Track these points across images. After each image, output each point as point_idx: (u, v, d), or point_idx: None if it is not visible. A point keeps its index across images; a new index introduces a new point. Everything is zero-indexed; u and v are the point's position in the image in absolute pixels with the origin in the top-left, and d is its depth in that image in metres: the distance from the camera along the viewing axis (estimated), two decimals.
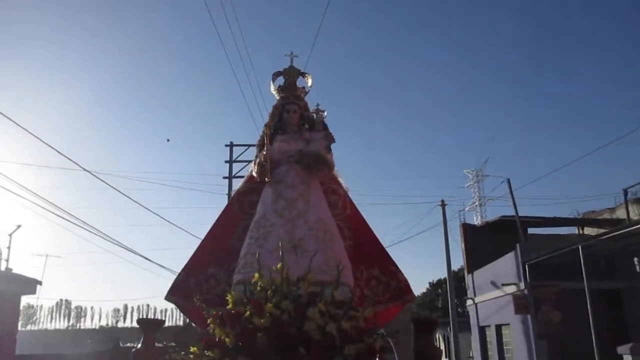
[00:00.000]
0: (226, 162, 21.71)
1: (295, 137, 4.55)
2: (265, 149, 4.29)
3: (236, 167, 21.43)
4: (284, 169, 4.33)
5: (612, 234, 12.42)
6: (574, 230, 21.54)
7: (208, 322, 3.03)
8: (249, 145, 21.86)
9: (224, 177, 21.58)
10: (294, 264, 3.44)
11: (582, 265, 12.03)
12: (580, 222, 20.64)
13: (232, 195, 4.67)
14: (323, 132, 4.61)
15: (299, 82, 4.84)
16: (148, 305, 69.33)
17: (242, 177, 21.34)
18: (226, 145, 21.94)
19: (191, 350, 2.92)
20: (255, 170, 4.36)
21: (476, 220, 29.01)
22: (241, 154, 21.57)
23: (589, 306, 11.80)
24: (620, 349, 9.58)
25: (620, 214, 18.38)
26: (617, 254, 14.68)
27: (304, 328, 2.80)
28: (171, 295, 4.21)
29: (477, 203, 33.03)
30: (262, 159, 4.26)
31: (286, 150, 4.40)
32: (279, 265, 3.06)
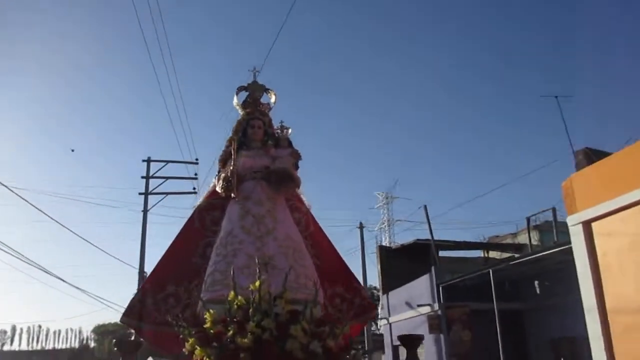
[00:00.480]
0: (143, 177, 21.02)
1: (260, 153, 4.50)
2: (232, 163, 4.20)
3: (154, 182, 20.78)
4: (250, 185, 4.26)
5: (522, 259, 13.48)
6: (479, 253, 23.02)
7: (186, 343, 2.96)
8: (167, 162, 21.40)
9: (140, 193, 20.83)
10: (266, 281, 3.42)
11: (492, 288, 12.91)
12: (486, 246, 22.11)
13: (193, 211, 4.53)
14: (289, 150, 4.59)
15: (263, 99, 4.83)
16: (40, 327, 64.28)
17: (160, 193, 20.82)
18: (143, 161, 21.27)
19: None
20: (220, 185, 4.26)
21: (385, 241, 30.08)
22: (159, 169, 20.99)
23: (497, 326, 12.63)
24: None
25: (522, 239, 19.93)
26: (520, 277, 15.87)
27: (287, 347, 2.80)
28: (127, 317, 4.08)
29: (385, 224, 34.32)
30: (229, 174, 4.18)
31: (251, 166, 4.34)
32: (256, 283, 3.03)
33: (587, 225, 7.64)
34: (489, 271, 13.37)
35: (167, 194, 21.16)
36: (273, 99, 4.79)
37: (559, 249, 11.51)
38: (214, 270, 3.89)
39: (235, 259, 3.84)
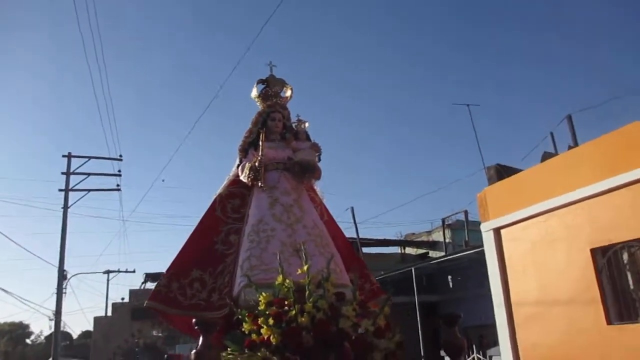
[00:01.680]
0: (63, 173, 20.17)
1: (281, 145, 4.65)
2: (259, 153, 4.33)
3: (75, 179, 20.09)
4: (275, 175, 4.42)
5: (444, 258, 14.98)
6: (397, 249, 24.64)
7: (244, 323, 3.05)
8: (90, 157, 20.74)
9: (60, 190, 20.02)
10: (299, 267, 3.57)
11: (414, 283, 14.28)
12: (404, 243, 23.71)
13: (214, 198, 4.58)
14: (309, 142, 4.76)
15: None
16: None
17: (81, 190, 20.19)
18: (64, 156, 20.40)
19: (230, 351, 2.99)
20: (247, 174, 4.34)
21: None
22: (81, 165, 20.30)
23: (418, 317, 13.98)
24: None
25: (435, 236, 21.70)
26: (436, 272, 17.45)
27: (340, 325, 2.94)
28: (153, 302, 4.08)
29: None
30: (256, 164, 4.30)
31: (274, 157, 4.48)
32: (305, 267, 3.16)
33: (497, 232, 8.98)
34: (411, 268, 14.72)
35: (89, 190, 20.49)
36: (289, 93, 4.86)
37: (473, 251, 12.98)
38: (250, 256, 3.94)
39: (268, 245, 3.96)
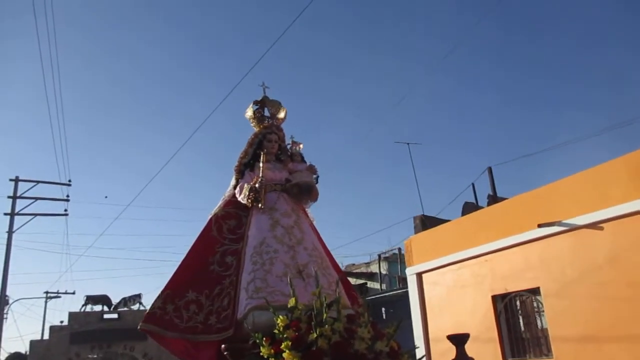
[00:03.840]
0: (9, 197, 20.14)
1: (278, 167, 4.63)
2: (259, 174, 4.32)
3: (22, 203, 20.10)
4: (274, 197, 4.39)
5: (383, 294, 16.10)
6: None
7: (262, 347, 3.03)
8: (37, 182, 20.81)
9: (6, 214, 19.97)
10: (302, 289, 3.59)
11: None
12: (344, 273, 24.89)
13: (210, 219, 4.51)
14: (306, 164, 4.72)
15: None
16: None
17: (27, 214, 20.22)
18: (11, 180, 20.39)
19: None
20: (247, 195, 4.29)
21: None
22: (28, 189, 20.36)
23: None
24: None
25: (373, 268, 23.09)
26: (370, 303, 18.71)
27: (355, 347, 2.95)
28: (147, 324, 3.94)
29: None
30: (256, 185, 4.28)
31: (272, 178, 4.45)
32: (317, 290, 3.13)
33: (419, 275, 10.32)
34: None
35: (36, 215, 20.54)
36: (283, 115, 4.86)
37: (402, 290, 14.32)
38: (254, 278, 3.88)
39: (272, 267, 3.90)
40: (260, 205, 4.27)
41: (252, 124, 4.81)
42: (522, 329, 8.41)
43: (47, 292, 30.25)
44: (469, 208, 12.30)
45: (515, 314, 8.49)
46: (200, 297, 4.05)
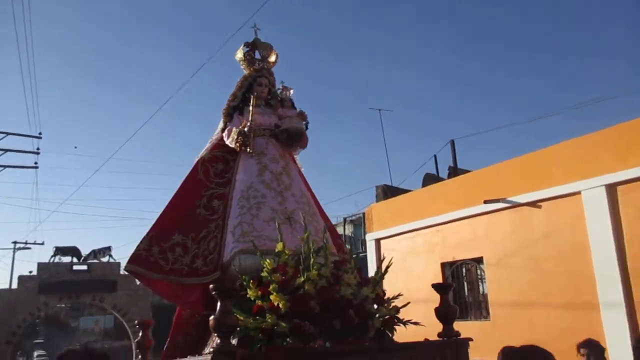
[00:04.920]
0: None
1: (267, 111, 4.53)
2: (248, 118, 4.22)
3: None
4: (262, 142, 4.33)
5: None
6: None
7: (248, 290, 2.99)
8: (7, 133, 20.51)
9: None
10: (289, 235, 3.57)
11: None
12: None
13: (196, 161, 4.40)
14: (296, 110, 4.61)
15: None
16: None
17: None
18: None
19: (240, 318, 2.86)
20: (235, 139, 4.22)
21: None
22: None
23: None
24: None
25: (339, 230, 23.89)
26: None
27: (341, 293, 2.96)
28: (132, 265, 3.85)
29: None
30: (245, 129, 4.19)
31: (261, 123, 4.37)
32: (305, 235, 3.13)
33: (377, 241, 10.99)
34: None
35: (5, 167, 20.45)
36: (274, 58, 4.72)
37: (364, 254, 15.03)
38: (241, 222, 3.85)
39: (259, 212, 3.88)
40: (248, 149, 4.22)
41: (242, 67, 4.68)
42: (466, 294, 9.19)
43: (15, 242, 30.28)
44: (430, 179, 12.95)
45: (461, 280, 9.26)
46: (186, 240, 3.99)
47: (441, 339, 3.25)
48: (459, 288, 9.24)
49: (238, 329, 2.77)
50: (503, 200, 8.14)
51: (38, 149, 20.64)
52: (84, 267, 25.69)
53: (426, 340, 3.31)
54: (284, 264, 3.04)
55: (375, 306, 3.29)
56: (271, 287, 2.91)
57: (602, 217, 6.87)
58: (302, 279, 2.93)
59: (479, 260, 8.80)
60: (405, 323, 3.50)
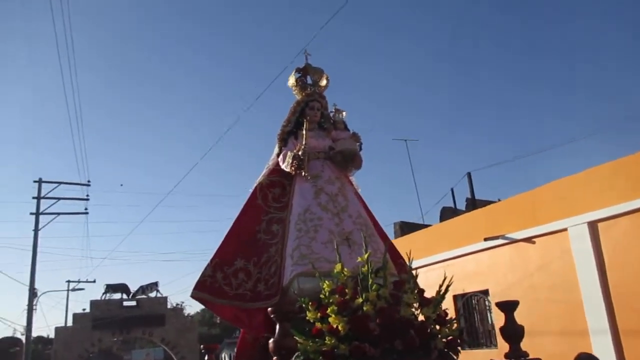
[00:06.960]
0: (34, 198, 21.67)
1: (321, 134, 4.61)
2: (303, 142, 4.31)
3: (46, 202, 21.64)
4: (318, 164, 4.39)
5: None
6: None
7: (308, 312, 2.93)
8: (59, 183, 22.40)
9: (32, 213, 21.51)
10: (348, 256, 3.55)
11: None
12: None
13: (255, 187, 4.52)
14: (349, 132, 4.69)
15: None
16: None
17: (51, 214, 21.84)
18: (35, 181, 21.87)
19: (300, 340, 2.84)
20: (290, 163, 4.30)
21: None
22: (51, 190, 21.88)
23: None
24: None
25: None
26: None
27: (402, 313, 2.93)
28: (198, 291, 3.97)
29: None
30: (299, 153, 4.28)
31: (315, 146, 4.43)
32: (365, 256, 3.09)
33: None
34: None
35: (59, 214, 22.04)
36: (325, 82, 4.80)
37: None
38: (299, 245, 3.91)
39: (317, 234, 3.92)
40: (304, 173, 4.29)
41: (294, 92, 4.79)
42: (477, 324, 9.94)
43: (69, 282, 32.29)
44: (447, 213, 13.77)
45: (472, 311, 10.03)
46: (248, 265, 4.10)
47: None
48: (470, 318, 10.01)
49: (298, 352, 2.84)
50: (502, 237, 8.96)
51: (87, 195, 22.28)
52: (134, 303, 27.11)
53: None
54: (342, 285, 3.04)
55: (437, 327, 3.22)
56: (329, 310, 2.92)
57: (586, 251, 7.63)
58: (361, 300, 2.95)
59: (485, 292, 9.57)
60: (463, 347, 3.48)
